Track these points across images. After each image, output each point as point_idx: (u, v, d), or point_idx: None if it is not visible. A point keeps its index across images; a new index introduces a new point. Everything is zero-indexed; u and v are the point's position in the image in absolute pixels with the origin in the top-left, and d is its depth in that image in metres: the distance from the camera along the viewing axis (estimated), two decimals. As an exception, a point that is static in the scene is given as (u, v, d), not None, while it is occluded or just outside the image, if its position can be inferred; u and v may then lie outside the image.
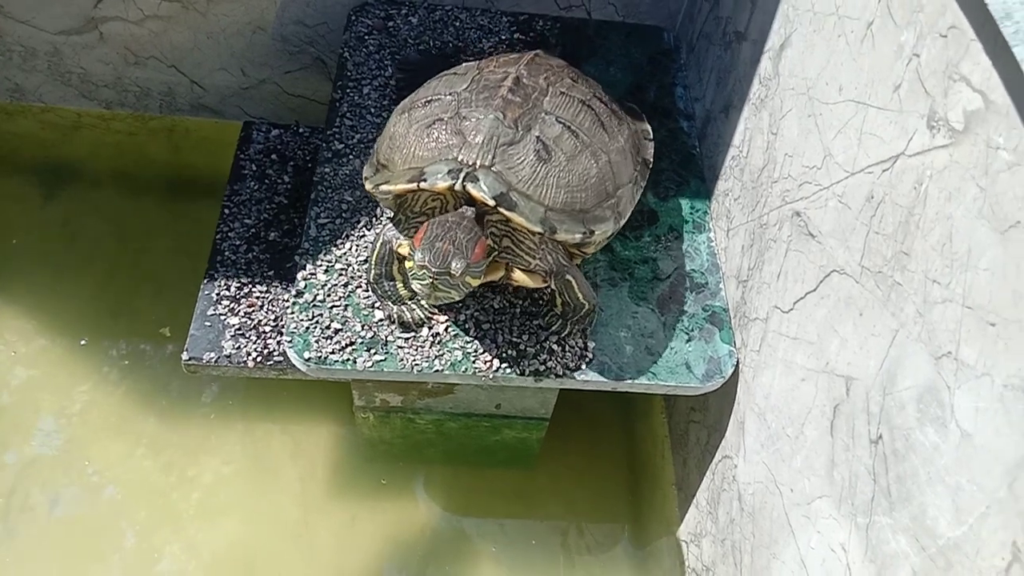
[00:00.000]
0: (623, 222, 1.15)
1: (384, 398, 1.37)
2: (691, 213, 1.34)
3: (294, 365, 1.14)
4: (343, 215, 1.26)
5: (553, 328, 1.16)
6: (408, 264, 1.04)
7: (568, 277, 1.10)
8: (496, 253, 1.09)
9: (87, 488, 1.47)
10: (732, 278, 1.25)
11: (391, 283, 1.14)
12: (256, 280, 1.38)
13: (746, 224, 1.21)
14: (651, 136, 1.28)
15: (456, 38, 1.53)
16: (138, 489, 1.48)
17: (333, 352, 1.13)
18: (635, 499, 1.57)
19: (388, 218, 1.14)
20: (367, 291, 1.19)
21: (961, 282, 0.71)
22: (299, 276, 1.19)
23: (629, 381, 1.14)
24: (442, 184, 1.02)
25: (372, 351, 1.13)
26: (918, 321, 0.77)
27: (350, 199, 1.28)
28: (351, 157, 1.33)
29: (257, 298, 1.36)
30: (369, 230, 1.25)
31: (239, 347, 1.31)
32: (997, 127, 0.67)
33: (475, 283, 1.02)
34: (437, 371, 1.12)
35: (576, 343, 1.16)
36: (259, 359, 1.29)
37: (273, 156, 1.56)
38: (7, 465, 1.48)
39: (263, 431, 1.57)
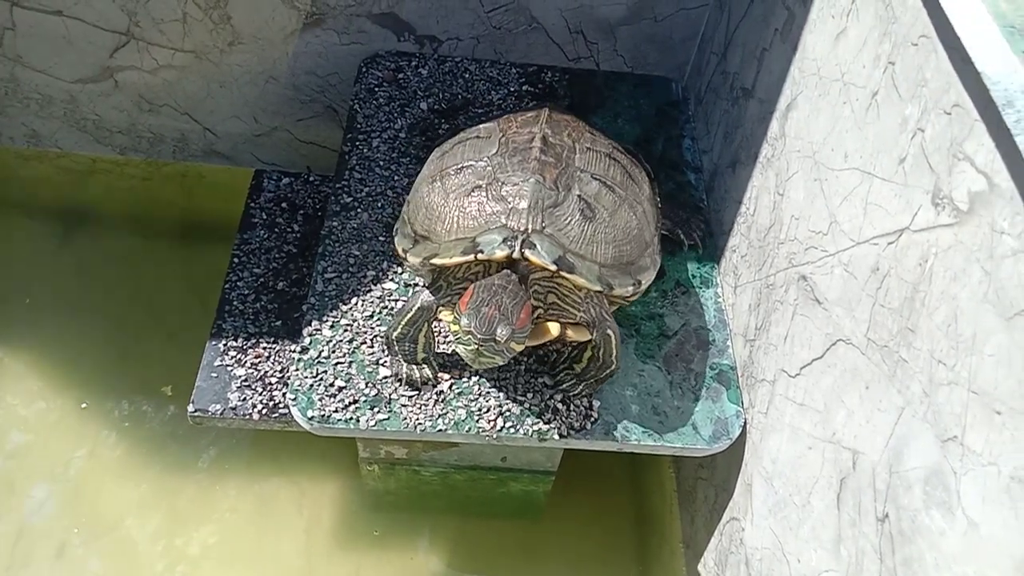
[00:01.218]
0: (658, 268, 1.17)
1: (389, 450, 1.37)
2: (699, 268, 1.33)
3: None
4: (350, 270, 1.27)
5: (563, 386, 1.15)
6: (453, 327, 1.03)
7: (608, 332, 1.10)
8: (542, 311, 1.09)
9: (83, 548, 1.46)
10: (739, 336, 1.24)
11: (412, 345, 1.14)
12: (263, 331, 1.39)
13: (753, 283, 1.20)
14: (653, 177, 1.30)
15: (465, 90, 1.54)
16: (136, 548, 1.47)
17: (336, 410, 1.12)
18: (642, 555, 1.55)
19: (425, 285, 1.14)
20: (372, 347, 1.18)
21: (966, 366, 0.70)
22: (305, 332, 1.19)
23: (635, 442, 1.13)
24: (500, 254, 1.02)
25: (375, 409, 1.13)
26: (924, 401, 0.76)
27: (357, 253, 1.28)
28: (359, 210, 1.33)
29: (264, 349, 1.37)
30: (376, 285, 1.25)
31: (245, 399, 1.31)
32: (1001, 211, 0.67)
33: (519, 348, 1.02)
34: (440, 431, 1.12)
35: (581, 403, 1.15)
36: (264, 411, 1.29)
37: (283, 204, 1.57)
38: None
39: (268, 481, 1.56)
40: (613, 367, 1.12)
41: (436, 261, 1.06)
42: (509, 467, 1.41)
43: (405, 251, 1.12)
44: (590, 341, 1.10)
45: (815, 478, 0.96)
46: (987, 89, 0.66)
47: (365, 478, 1.49)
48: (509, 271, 1.03)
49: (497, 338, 0.97)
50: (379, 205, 1.34)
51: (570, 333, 1.09)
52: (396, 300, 1.23)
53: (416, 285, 1.25)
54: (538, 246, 1.02)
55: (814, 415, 0.98)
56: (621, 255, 1.10)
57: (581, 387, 1.14)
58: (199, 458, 1.57)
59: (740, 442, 1.19)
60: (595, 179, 1.11)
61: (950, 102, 0.75)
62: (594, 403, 1.15)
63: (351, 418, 1.12)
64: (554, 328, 1.08)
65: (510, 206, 1.05)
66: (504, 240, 1.02)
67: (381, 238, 1.30)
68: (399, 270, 1.27)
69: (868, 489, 0.84)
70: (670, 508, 1.54)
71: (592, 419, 1.14)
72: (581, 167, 1.12)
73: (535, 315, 1.07)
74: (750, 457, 1.17)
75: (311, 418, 1.12)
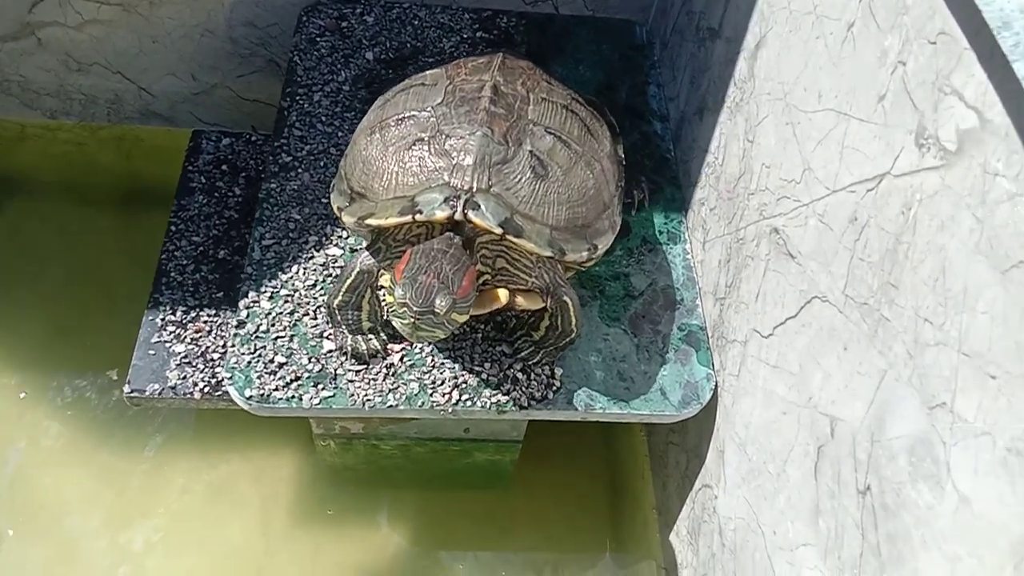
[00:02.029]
0: (617, 231, 1.08)
1: (344, 426, 1.29)
2: (665, 223, 1.25)
3: (237, 402, 1.06)
4: (290, 235, 1.17)
5: (521, 355, 1.08)
6: (388, 299, 0.95)
7: (564, 298, 1.01)
8: (490, 277, 1.00)
9: (20, 544, 1.38)
10: (709, 294, 1.16)
11: (356, 312, 1.05)
12: (204, 303, 1.29)
13: (723, 237, 1.12)
14: (618, 131, 1.21)
15: (414, 38, 1.43)
16: (79, 543, 1.38)
17: (277, 389, 1.04)
18: (616, 521, 1.49)
19: (365, 246, 1.05)
20: (315, 319, 1.10)
21: (956, 324, 0.62)
22: (241, 305, 1.10)
23: (600, 411, 1.06)
24: (441, 215, 0.93)
25: (320, 386, 1.05)
26: (908, 364, 0.69)
27: (298, 217, 1.19)
28: (300, 171, 1.24)
29: (205, 323, 1.27)
30: (319, 251, 1.16)
31: (185, 377, 1.22)
32: (995, 150, 0.59)
33: (462, 319, 0.93)
34: (391, 406, 1.04)
35: (542, 371, 1.08)
36: (207, 390, 1.21)
37: (224, 167, 1.47)
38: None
39: (221, 461, 1.48)
40: (573, 335, 1.05)
41: (371, 221, 0.97)
42: (473, 438, 1.34)
43: (340, 209, 1.03)
44: (545, 309, 1.03)
45: (790, 445, 0.90)
46: (979, 11, 0.58)
47: (321, 454, 1.41)
48: (452, 234, 0.94)
49: (436, 310, 0.88)
50: (321, 165, 1.24)
51: (520, 301, 1.01)
52: (341, 267, 1.15)
53: (358, 250, 1.16)
54: (483, 207, 0.93)
55: (788, 378, 0.91)
56: (575, 217, 1.01)
57: (541, 355, 1.07)
58: (146, 444, 1.48)
59: (712, 406, 1.12)
60: (549, 133, 1.02)
61: (935, 30, 0.67)
62: (556, 371, 1.08)
63: (293, 396, 1.04)
64: (503, 295, 0.99)
65: (454, 162, 0.96)
66: (446, 200, 0.93)
67: (324, 200, 1.20)
68: (344, 234, 1.18)
69: (848, 459, 0.78)
70: (642, 474, 1.48)
71: (554, 388, 1.07)
72: (534, 120, 1.03)
73: (481, 281, 0.98)
74: (722, 422, 1.10)
75: (249, 398, 1.03)
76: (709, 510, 1.14)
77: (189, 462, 1.47)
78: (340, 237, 1.17)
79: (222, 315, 1.28)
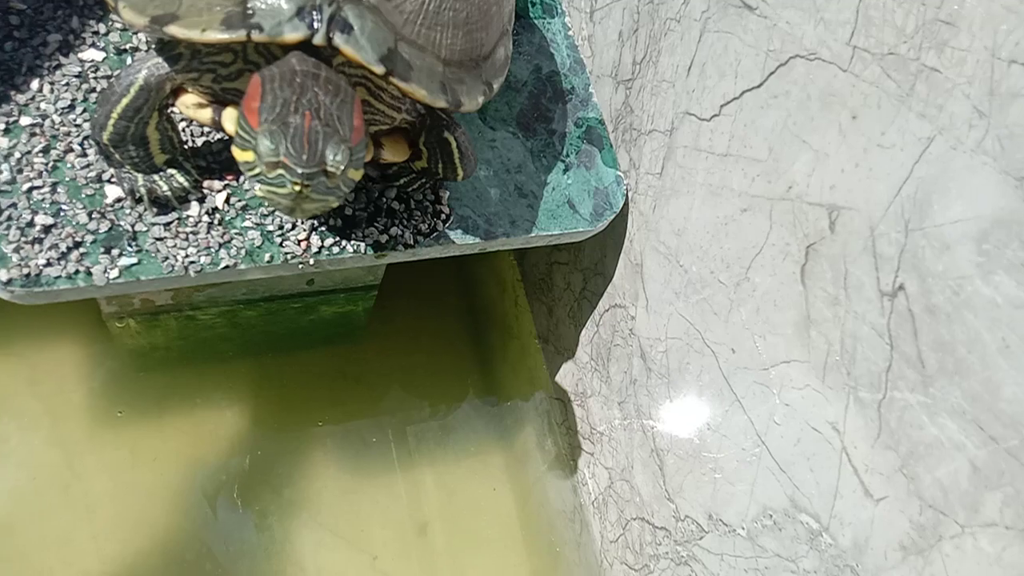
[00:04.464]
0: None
1: (147, 298, 0.97)
2: (536, -8, 0.99)
3: (-14, 291, 0.71)
4: (14, 35, 0.78)
5: (398, 182, 0.81)
6: (242, 157, 0.61)
7: (447, 135, 0.74)
8: None
9: None
10: (607, 78, 0.94)
11: (141, 147, 0.71)
12: None
13: (623, 1, 0.89)
14: None
15: None
16: None
17: (50, 263, 0.71)
18: (485, 357, 1.32)
19: (150, 45, 0.69)
20: (85, 155, 0.75)
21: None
22: (-41, 146, 0.73)
23: (502, 237, 0.84)
24: (292, 35, 0.60)
25: (115, 251, 0.73)
26: (978, 125, 0.52)
27: (22, 6, 0.79)
28: (9, -64, 0.82)
29: (-98, 183, 0.87)
30: (68, 56, 0.79)
31: None
32: None
33: (358, 177, 0.63)
34: (228, 267, 0.75)
35: (425, 196, 0.82)
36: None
37: None
38: None
39: (-27, 366, 1.11)
40: (459, 177, 0.79)
41: (175, 31, 0.62)
42: (319, 290, 1.08)
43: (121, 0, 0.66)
44: (418, 150, 0.76)
45: (755, 247, 0.74)
46: None
47: (118, 337, 1.09)
48: (303, 53, 0.64)
49: (329, 167, 0.59)
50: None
51: (384, 153, 0.73)
52: (110, 77, 0.79)
53: (138, 51, 0.81)
54: (356, 29, 0.62)
55: (750, 166, 0.73)
56: (473, 45, 0.72)
57: (421, 182, 0.81)
58: None
59: (621, 215, 0.94)
60: None
61: None
62: (442, 195, 0.83)
63: (78, 271, 0.71)
64: (397, 148, 0.71)
65: None
66: (299, 12, 0.61)
67: (60, -22, 0.81)
68: (102, 27, 0.80)
69: (862, 256, 0.62)
70: (514, 301, 1.31)
71: (443, 216, 0.82)
72: None
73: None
74: (636, 231, 0.93)
75: (9, 282, 0.69)
76: (623, 332, 0.99)
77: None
78: (96, 33, 0.80)
79: (-72, 168, 0.87)
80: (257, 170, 0.60)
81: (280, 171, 0.58)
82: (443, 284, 1.37)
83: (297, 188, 0.59)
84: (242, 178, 0.78)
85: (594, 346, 1.07)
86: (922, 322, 0.58)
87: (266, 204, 0.72)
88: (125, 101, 0.68)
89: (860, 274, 0.63)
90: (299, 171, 0.58)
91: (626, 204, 0.93)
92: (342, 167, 0.59)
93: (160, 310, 1.02)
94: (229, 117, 0.69)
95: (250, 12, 0.61)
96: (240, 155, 0.62)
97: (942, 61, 0.54)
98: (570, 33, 0.98)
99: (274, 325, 1.15)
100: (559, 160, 0.90)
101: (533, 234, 0.85)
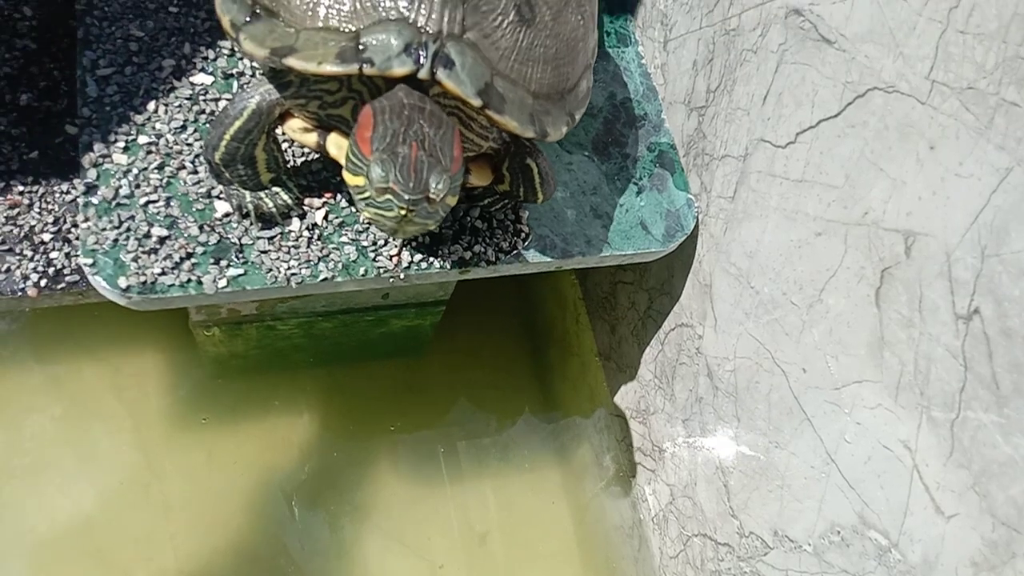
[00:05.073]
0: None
1: (234, 308, 1.03)
2: (611, 21, 1.04)
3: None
4: (134, 60, 0.85)
5: (482, 203, 0.86)
6: (354, 182, 0.67)
7: (529, 162, 0.78)
8: None
9: None
10: (679, 104, 0.98)
11: (249, 167, 0.77)
12: (14, 168, 0.94)
13: (698, 32, 0.93)
14: None
15: None
16: None
17: (164, 272, 0.76)
18: (544, 373, 1.36)
19: (255, 71, 0.75)
20: (196, 172, 0.81)
21: None
22: (86, 162, 0.79)
23: (579, 256, 0.88)
24: (399, 70, 0.66)
25: (223, 262, 0.78)
26: (1058, 155, 0.55)
27: (140, 33, 0.86)
28: (129, -31, 0.89)
29: (21, 194, 0.93)
30: (181, 80, 0.85)
31: (8, 269, 0.90)
32: None
33: (454, 203, 0.69)
34: (326, 279, 0.80)
35: (506, 216, 0.86)
36: (45, 283, 0.89)
37: (-3, -22, 1.05)
38: None
39: (68, 367, 1.18)
40: (540, 199, 0.83)
41: (293, 63, 0.67)
42: (392, 303, 1.12)
43: (237, 28, 0.71)
44: (501, 179, 0.81)
45: (829, 270, 0.77)
46: None
47: (202, 344, 1.14)
48: (408, 86, 0.68)
49: (432, 194, 0.64)
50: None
51: (472, 178, 0.78)
52: (218, 100, 0.85)
53: (243, 75, 0.86)
54: (457, 64, 0.67)
55: (824, 192, 0.76)
56: (560, 79, 0.76)
57: (504, 203, 0.86)
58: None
59: (690, 237, 0.97)
60: None
61: None
62: (522, 215, 0.87)
63: (190, 280, 0.76)
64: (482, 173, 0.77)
65: None
66: (407, 48, 0.66)
67: (173, 7, 0.87)
68: (211, 53, 0.87)
69: (937, 280, 0.65)
70: (576, 318, 1.34)
71: (523, 235, 0.87)
72: None
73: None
74: (706, 253, 0.96)
75: (127, 289, 0.75)
76: (689, 351, 1.01)
77: (28, 375, 1.15)
78: (207, 59, 0.86)
79: (45, 182, 0.94)
80: (367, 194, 0.65)
81: (388, 196, 0.64)
82: (505, 301, 1.41)
83: (403, 212, 0.64)
84: (339, 196, 0.83)
85: (658, 364, 1.10)
86: (997, 344, 0.60)
87: (371, 224, 0.77)
88: (238, 124, 0.74)
89: (935, 297, 0.65)
90: (406, 197, 0.63)
91: (696, 226, 0.96)
92: (443, 194, 0.64)
93: (244, 320, 1.07)
94: (333, 142, 0.74)
95: (362, 48, 0.66)
96: (351, 179, 0.67)
97: (1022, 96, 0.57)
98: (643, 62, 1.02)
99: (346, 337, 1.20)
100: (632, 183, 0.93)
101: (607, 253, 0.89)
